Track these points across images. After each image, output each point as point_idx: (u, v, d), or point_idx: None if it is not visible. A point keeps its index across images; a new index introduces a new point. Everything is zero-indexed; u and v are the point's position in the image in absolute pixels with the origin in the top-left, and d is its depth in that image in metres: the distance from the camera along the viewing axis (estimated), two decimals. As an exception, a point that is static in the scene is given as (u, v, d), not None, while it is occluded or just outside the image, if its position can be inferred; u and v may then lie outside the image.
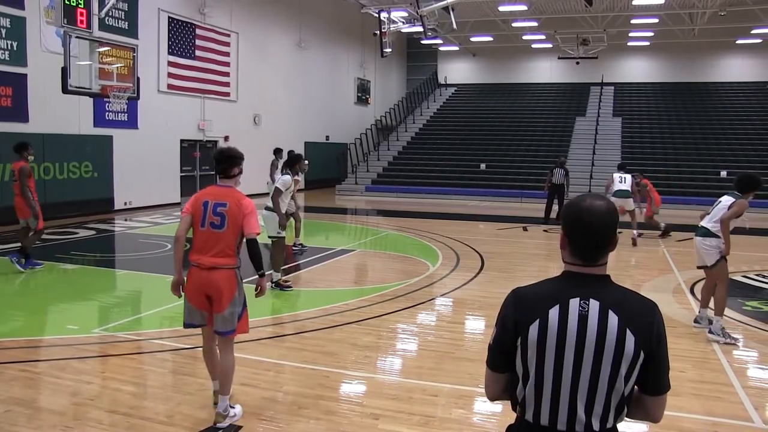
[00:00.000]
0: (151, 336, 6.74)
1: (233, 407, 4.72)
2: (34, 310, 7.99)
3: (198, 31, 21.51)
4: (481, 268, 10.72)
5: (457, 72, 39.61)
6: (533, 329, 2.05)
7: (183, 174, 20.96)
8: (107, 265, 11.00)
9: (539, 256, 12.45)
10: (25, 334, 6.90)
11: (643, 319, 2.03)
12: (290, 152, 10.71)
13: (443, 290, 9.15)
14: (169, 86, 20.35)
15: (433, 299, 8.65)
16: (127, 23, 18.35)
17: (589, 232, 2.05)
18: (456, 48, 37.08)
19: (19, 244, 10.31)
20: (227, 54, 23.05)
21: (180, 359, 6.08)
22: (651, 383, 2.08)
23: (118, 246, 13.28)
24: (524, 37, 33.54)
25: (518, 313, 2.10)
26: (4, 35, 14.92)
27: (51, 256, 11.04)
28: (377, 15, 21.69)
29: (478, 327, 7.54)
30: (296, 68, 27.68)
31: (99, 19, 14.40)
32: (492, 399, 2.23)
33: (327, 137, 30.84)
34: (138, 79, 14.65)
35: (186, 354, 6.16)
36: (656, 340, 2.03)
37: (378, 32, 21.67)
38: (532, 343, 2.05)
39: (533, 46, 35.58)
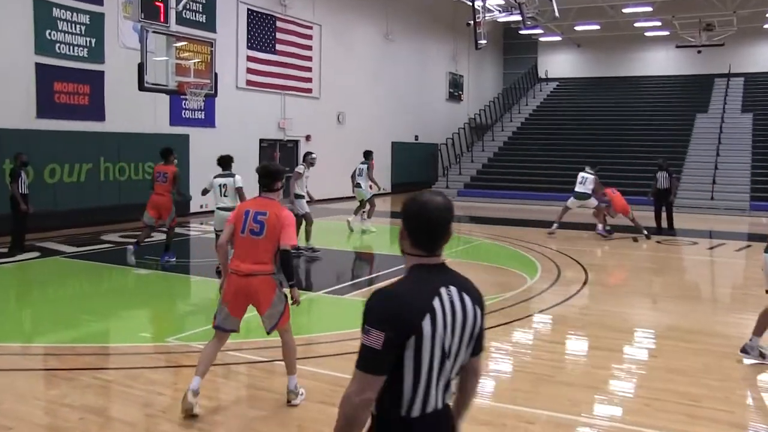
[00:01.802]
0: (227, 347, 6.92)
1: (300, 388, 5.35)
2: (107, 315, 8.39)
3: (278, 24, 22.09)
4: (585, 283, 10.47)
5: (559, 65, 38.91)
6: (426, 324, 2.26)
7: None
8: (182, 270, 11.42)
9: (650, 270, 12.04)
10: (98, 341, 7.24)
11: (479, 294, 2.48)
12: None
13: (542, 306, 8.99)
14: (248, 82, 20.98)
15: (530, 316, 8.51)
16: (205, 17, 19.06)
17: (429, 226, 2.40)
18: (558, 38, 36.45)
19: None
20: (309, 48, 23.55)
21: (256, 372, 6.23)
22: (480, 345, 2.52)
23: (193, 251, 13.78)
24: (636, 24, 32.59)
25: (406, 311, 2.26)
26: (83, 32, 15.81)
27: (125, 260, 11.55)
28: (471, 3, 21.61)
29: (581, 348, 7.36)
30: (383, 62, 27.95)
31: (176, 12, 15.06)
32: (360, 404, 2.25)
33: (416, 137, 30.95)
34: (216, 75, 15.17)
35: (262, 368, 6.31)
36: (484, 311, 2.49)
37: (472, 22, 21.60)
38: (426, 337, 2.26)
39: (647, 34, 34.50)
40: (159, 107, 17.76)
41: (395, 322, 2.24)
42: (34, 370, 6.36)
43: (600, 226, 15.76)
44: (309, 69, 23.65)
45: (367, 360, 2.26)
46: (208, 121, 19.57)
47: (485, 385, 6.06)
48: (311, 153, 13.53)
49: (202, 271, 11.26)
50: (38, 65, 14.93)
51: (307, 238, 12.71)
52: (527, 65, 38.63)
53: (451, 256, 13.04)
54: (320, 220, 19.35)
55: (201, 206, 19.13)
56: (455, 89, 34.35)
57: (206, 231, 15.97)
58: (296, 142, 23.37)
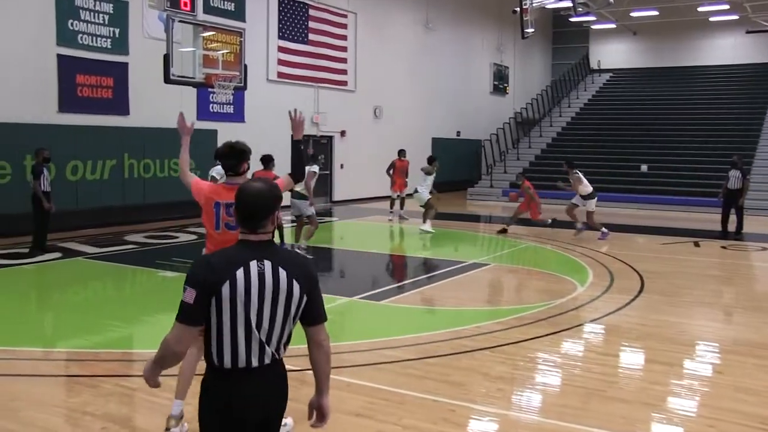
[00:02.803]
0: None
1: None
2: (131, 320, 8.52)
3: (311, 12, 22.23)
4: (641, 291, 10.33)
5: (613, 54, 38.47)
6: (225, 288, 2.88)
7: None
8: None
9: (713, 278, 11.83)
10: (122, 346, 7.36)
11: (302, 269, 3.03)
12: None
13: (593, 315, 8.89)
14: (279, 74, 21.15)
15: (581, 325, 8.43)
16: (233, 5, 19.26)
17: (245, 208, 2.99)
18: (612, 26, 36.03)
19: None
20: (344, 37, 23.66)
21: (288, 381, 6.26)
22: (313, 316, 3.10)
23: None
24: (700, 9, 32.06)
25: (211, 277, 2.89)
26: (106, 22, 16.10)
27: (150, 262, 11.74)
28: (518, -12, 21.49)
29: (636, 361, 7.26)
30: (422, 53, 27.93)
31: (204, 0, 15.24)
32: (175, 350, 2.94)
33: (458, 133, 30.88)
34: (245, 66, 15.33)
35: (292, 377, 6.34)
36: (313, 284, 3.07)
37: (518, 9, 21.48)
38: (225, 299, 2.88)
39: (712, 19, 33.91)
40: (186, 101, 17.95)
41: (202, 283, 2.88)
42: (54, 376, 6.49)
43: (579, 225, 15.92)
44: (344, 60, 23.74)
45: (183, 313, 2.92)
46: (237, 116, 19.78)
47: (531, 399, 6.03)
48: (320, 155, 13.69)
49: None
50: (60, 57, 15.25)
51: (306, 237, 12.84)
52: (578, 55, 38.27)
53: (495, 260, 12.99)
54: (356, 221, 19.45)
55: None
56: (500, 81, 34.18)
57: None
58: (330, 138, 23.48)
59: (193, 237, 14.90)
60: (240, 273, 2.91)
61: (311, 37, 22.28)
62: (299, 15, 21.83)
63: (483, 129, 31.47)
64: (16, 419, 5.26)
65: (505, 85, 34.67)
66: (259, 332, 2.96)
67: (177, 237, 15.13)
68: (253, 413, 2.99)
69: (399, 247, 15.84)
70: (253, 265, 2.94)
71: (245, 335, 2.94)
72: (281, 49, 21.23)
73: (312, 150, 22.44)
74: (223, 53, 14.87)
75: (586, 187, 15.87)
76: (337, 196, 23.90)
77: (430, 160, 16.49)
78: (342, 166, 23.99)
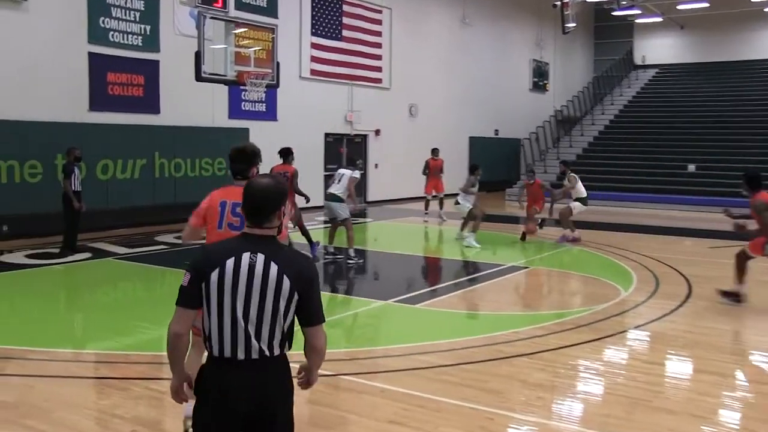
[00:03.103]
0: (291, 359, 7.01)
1: None
2: (162, 322, 8.60)
3: (345, 8, 22.31)
4: (688, 297, 10.18)
5: (659, 50, 38.00)
6: (213, 275, 3.10)
7: (327, 173, 21.76)
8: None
9: (767, 284, 11.61)
10: (152, 349, 7.44)
11: (296, 267, 3.13)
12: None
13: (638, 321, 8.79)
14: (313, 72, 21.25)
15: (624, 332, 8.33)
16: (265, 1, 19.39)
17: (250, 201, 3.17)
18: (658, 19, 35.59)
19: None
20: (378, 33, 23.71)
21: (320, 387, 6.27)
22: (307, 317, 3.19)
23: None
24: None
25: (204, 263, 3.15)
26: (137, 19, 16.32)
27: (180, 263, 11.82)
28: (559, -19, 21.34)
29: (684, 371, 7.15)
30: (459, 49, 27.88)
31: (236, -4, 15.37)
32: (179, 332, 3.19)
33: (496, 131, 30.77)
34: (278, 64, 15.43)
35: (325, 382, 6.36)
36: (307, 284, 3.14)
37: (559, 3, 21.33)
38: (213, 285, 3.10)
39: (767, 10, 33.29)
40: (217, 99, 18.16)
41: (196, 268, 3.16)
42: (85, 377, 6.59)
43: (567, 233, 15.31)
44: (378, 57, 23.79)
45: (180, 295, 3.19)
46: (270, 114, 19.91)
47: (572, 408, 5.97)
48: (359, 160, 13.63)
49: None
50: (91, 55, 15.48)
51: (349, 243, 12.57)
52: (621, 50, 37.88)
53: (535, 264, 12.91)
54: (391, 222, 19.46)
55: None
56: (540, 78, 33.98)
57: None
58: (364, 137, 23.53)
59: (224, 238, 14.99)
60: (230, 262, 3.10)
61: (345, 33, 22.35)
62: (333, 11, 21.92)
63: (522, 127, 31.31)
64: (48, 420, 5.35)
65: (545, 82, 34.44)
66: (246, 324, 3.08)
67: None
68: (242, 406, 3.09)
69: (435, 249, 15.81)
70: (246, 256, 3.11)
71: (231, 325, 3.09)
72: (314, 46, 21.33)
73: (345, 150, 22.51)
74: (255, 50, 14.98)
75: (582, 190, 15.44)
76: (372, 196, 23.94)
77: (473, 169, 15.39)
78: (376, 166, 24.02)
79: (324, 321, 3.25)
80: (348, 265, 12.32)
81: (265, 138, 19.37)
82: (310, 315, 3.20)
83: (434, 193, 19.22)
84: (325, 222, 14.25)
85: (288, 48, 19.22)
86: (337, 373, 6.38)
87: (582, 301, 9.84)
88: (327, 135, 22.02)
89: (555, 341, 7.68)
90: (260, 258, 3.10)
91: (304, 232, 12.77)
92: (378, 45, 23.77)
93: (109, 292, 10.53)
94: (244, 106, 19.14)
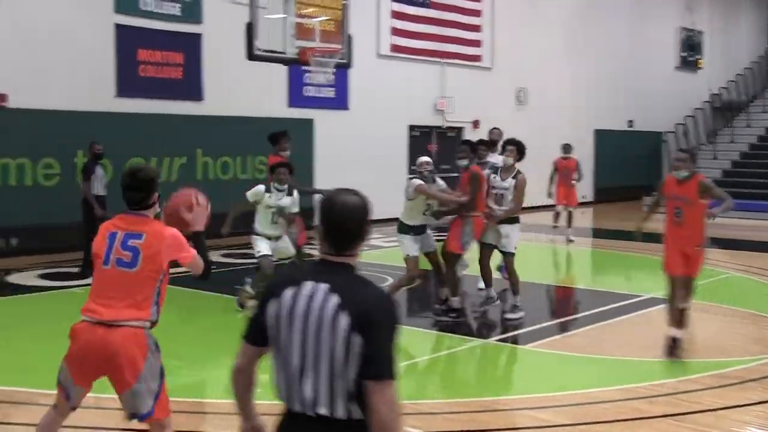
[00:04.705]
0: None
1: None
2: (204, 360, 8.72)
3: (436, -34, 22.36)
4: None
5: None
6: (271, 307, 3.19)
7: (412, 175, 21.77)
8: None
9: None
10: (191, 394, 7.51)
11: (361, 303, 3.06)
12: None
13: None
14: (394, 48, 21.36)
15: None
16: (337, -42, 19.59)
17: (332, 223, 3.19)
18: None
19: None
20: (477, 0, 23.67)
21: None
22: (366, 367, 3.03)
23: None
24: None
25: (267, 291, 3.30)
26: (176, -18, 16.73)
27: (227, 287, 11.94)
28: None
29: None
30: (583, 18, 27.63)
31: (298, -48, 15.52)
32: (234, 368, 3.36)
33: (630, 123, 30.33)
34: (350, 38, 15.50)
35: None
36: (371, 325, 3.03)
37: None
38: (270, 320, 3.19)
39: None
40: (274, 82, 18.39)
41: (261, 298, 3.31)
42: (108, 429, 6.69)
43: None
44: (477, 28, 23.75)
45: (245, 325, 3.37)
46: (339, 101, 20.07)
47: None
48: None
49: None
50: (118, 27, 15.92)
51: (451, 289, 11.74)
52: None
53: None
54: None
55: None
56: (690, 53, 33.36)
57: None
58: (459, 130, 23.46)
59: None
60: (288, 292, 3.17)
61: (435, -2, 22.41)
62: (420, -30, 22.01)
63: (665, 118, 30.73)
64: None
65: (698, 57, 33.77)
66: (301, 372, 3.13)
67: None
68: None
69: (551, 274, 15.61)
70: (308, 285, 3.15)
71: (285, 372, 3.18)
72: (396, 15, 21.42)
73: (435, 146, 22.48)
74: (321, 21, 15.09)
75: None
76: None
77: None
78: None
79: (393, 378, 3.05)
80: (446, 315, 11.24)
81: (334, 131, 19.58)
82: (371, 365, 3.04)
83: (563, 205, 18.11)
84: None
85: (363, 18, 19.31)
86: None
87: (750, 348, 9.54)
88: (412, 127, 22.08)
89: (711, 400, 7.49)
90: (321, 289, 3.11)
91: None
92: (477, 13, 23.73)
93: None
94: (307, 91, 19.35)
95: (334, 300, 3.05)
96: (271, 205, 10.59)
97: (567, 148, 18.34)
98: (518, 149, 11.74)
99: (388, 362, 3.06)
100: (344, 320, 3.02)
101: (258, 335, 3.25)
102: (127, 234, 5.07)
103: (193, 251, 5.26)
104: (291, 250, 10.98)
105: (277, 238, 10.75)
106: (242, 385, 3.37)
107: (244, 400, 3.39)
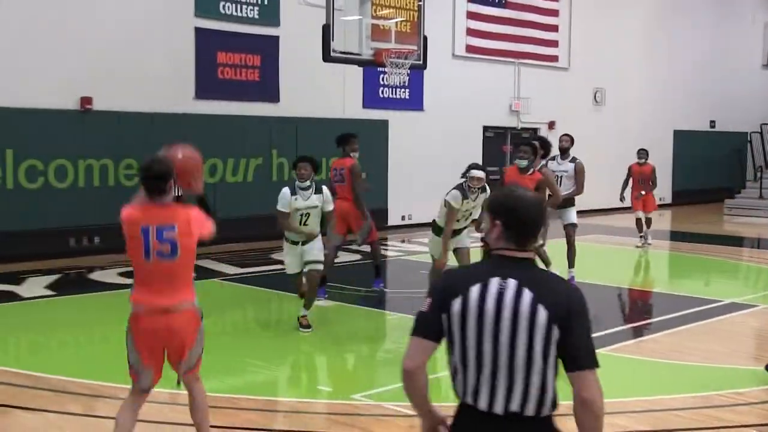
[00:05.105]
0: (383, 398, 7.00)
1: None
2: (277, 359, 8.82)
3: (512, -34, 22.24)
4: None
5: None
6: (455, 304, 3.16)
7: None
8: (374, 304, 11.76)
9: None
10: (265, 392, 7.63)
11: (555, 296, 3.10)
12: None
13: None
14: (469, 48, 21.32)
15: None
16: (412, -41, 19.61)
17: (523, 220, 3.22)
18: None
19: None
20: (555, -2, 23.49)
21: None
22: (571, 358, 3.11)
23: (392, 278, 14.12)
24: None
25: (446, 289, 3.24)
26: (254, -15, 16.92)
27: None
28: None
29: None
30: (661, 16, 27.20)
31: (374, -46, 15.57)
32: (410, 368, 3.24)
33: (712, 123, 29.74)
34: (425, 39, 15.50)
35: None
36: (569, 316, 3.08)
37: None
38: (455, 318, 3.16)
39: None
40: (349, 84, 18.48)
41: (437, 294, 3.27)
42: (183, 425, 6.79)
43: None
44: (554, 28, 23.57)
45: (417, 323, 3.28)
46: (414, 103, 20.09)
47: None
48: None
49: (400, 306, 11.50)
50: (198, 31, 16.18)
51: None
52: None
53: (765, 300, 12.33)
54: (581, 242, 19.09)
55: (402, 218, 19.63)
56: (777, 50, 32.56)
57: (409, 251, 16.33)
58: (535, 131, 23.31)
59: (357, 257, 15.21)
60: (475, 289, 3.15)
61: (511, -2, 22.29)
62: (496, -30, 21.92)
63: (750, 118, 30.08)
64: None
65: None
66: (493, 369, 3.12)
67: (336, 257, 15.50)
68: None
69: (627, 277, 15.40)
70: (494, 282, 3.15)
71: (475, 369, 3.15)
72: (471, 15, 21.37)
73: (510, 147, 22.35)
74: (396, 22, 15.11)
75: None
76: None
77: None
78: (547, 164, 23.71)
79: (597, 366, 3.17)
80: None
81: (408, 131, 19.61)
82: (576, 356, 3.13)
83: (641, 212, 17.56)
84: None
85: (438, 19, 19.31)
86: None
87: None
88: (486, 128, 21.99)
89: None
90: (511, 284, 3.12)
91: (375, 254, 12.42)
92: (554, 13, 23.54)
93: (214, 321, 10.78)
94: (382, 92, 19.41)
95: (529, 294, 3.08)
96: (301, 208, 9.73)
97: (642, 153, 17.83)
98: (532, 149, 11.59)
99: (592, 351, 3.17)
100: (543, 314, 3.06)
101: (435, 332, 3.22)
102: (159, 227, 5.33)
103: (209, 223, 5.59)
104: (317, 255, 9.81)
105: (304, 242, 9.82)
106: (421, 382, 3.29)
107: (424, 397, 3.33)
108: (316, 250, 9.75)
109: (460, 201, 9.88)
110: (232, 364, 8.56)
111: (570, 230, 13.00)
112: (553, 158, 13.36)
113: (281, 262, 14.60)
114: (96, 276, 13.21)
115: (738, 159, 29.63)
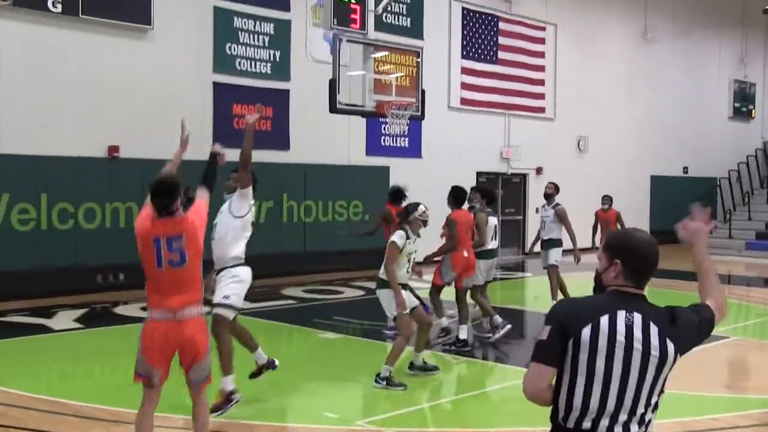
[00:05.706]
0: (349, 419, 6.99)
1: None
2: (288, 387, 8.80)
3: (501, 25, 22.46)
4: None
5: None
6: (585, 332, 3.12)
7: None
8: (378, 336, 11.74)
9: None
10: (275, 419, 7.62)
11: (679, 330, 3.19)
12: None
13: None
14: (463, 101, 21.47)
15: None
16: (409, 20, 19.82)
17: (644, 261, 3.31)
18: None
19: None
20: (541, 54, 23.71)
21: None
22: None
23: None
24: None
25: (570, 317, 3.18)
26: (266, 44, 17.10)
27: (308, 321, 12.11)
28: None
29: None
30: (639, 70, 27.42)
31: (375, 16, 15.74)
32: (533, 394, 3.20)
33: (685, 169, 29.83)
34: (423, 92, 15.60)
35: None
36: (689, 349, 3.26)
37: None
38: (584, 345, 3.11)
39: None
40: (353, 133, 18.61)
41: (560, 321, 3.19)
42: None
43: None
44: (540, 82, 23.75)
45: (536, 350, 3.21)
46: (413, 150, 20.22)
47: None
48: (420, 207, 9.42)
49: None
50: (216, 85, 16.33)
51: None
52: None
53: (737, 332, 12.38)
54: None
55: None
56: (743, 103, 32.72)
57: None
58: (523, 177, 23.41)
59: (360, 293, 15.22)
60: (605, 319, 3.15)
61: (501, 55, 22.46)
62: (487, 30, 22.09)
63: (719, 164, 30.18)
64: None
65: (751, 107, 33.08)
66: (619, 396, 3.13)
67: (341, 292, 15.52)
68: None
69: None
70: (621, 314, 3.17)
71: (601, 394, 3.13)
72: (465, 71, 21.55)
73: (501, 192, 22.41)
74: (397, 77, 15.22)
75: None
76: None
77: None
78: (537, 211, 23.77)
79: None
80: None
81: (408, 177, 19.54)
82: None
83: None
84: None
85: (435, 74, 19.46)
86: None
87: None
88: (479, 174, 22.03)
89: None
90: (637, 318, 3.17)
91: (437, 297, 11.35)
92: (540, 68, 23.73)
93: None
94: (383, 141, 19.54)
95: (655, 329, 3.15)
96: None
97: (606, 199, 17.58)
98: (482, 195, 11.76)
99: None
100: (671, 346, 3.15)
101: (555, 358, 3.19)
102: (169, 238, 5.57)
103: (201, 207, 6.34)
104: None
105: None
106: (547, 402, 3.27)
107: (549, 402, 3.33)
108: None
109: (404, 241, 9.00)
110: (244, 392, 8.54)
111: (549, 270, 13.54)
112: (544, 205, 14.15)
113: (292, 298, 14.71)
114: (120, 310, 13.23)
115: (710, 203, 29.66)
